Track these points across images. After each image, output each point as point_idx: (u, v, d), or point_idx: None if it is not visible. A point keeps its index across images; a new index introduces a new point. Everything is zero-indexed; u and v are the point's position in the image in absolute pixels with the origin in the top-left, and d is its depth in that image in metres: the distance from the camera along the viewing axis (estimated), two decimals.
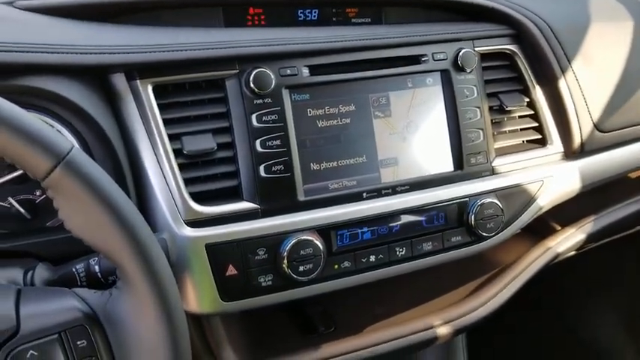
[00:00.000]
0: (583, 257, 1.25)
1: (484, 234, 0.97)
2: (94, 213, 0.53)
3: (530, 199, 1.03)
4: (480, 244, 0.99)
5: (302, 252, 0.85)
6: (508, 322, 1.17)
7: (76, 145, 0.76)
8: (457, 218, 0.96)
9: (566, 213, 1.15)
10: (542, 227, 1.16)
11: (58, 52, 0.77)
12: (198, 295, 0.82)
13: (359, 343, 0.97)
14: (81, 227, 0.55)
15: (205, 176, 0.84)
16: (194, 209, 0.82)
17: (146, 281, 0.54)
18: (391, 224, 0.92)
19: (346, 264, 0.90)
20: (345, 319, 1.03)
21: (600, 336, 1.46)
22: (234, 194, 0.85)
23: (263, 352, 0.95)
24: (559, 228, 1.18)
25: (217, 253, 0.81)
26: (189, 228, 0.81)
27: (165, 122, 0.83)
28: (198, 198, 0.83)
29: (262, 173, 0.85)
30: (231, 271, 0.83)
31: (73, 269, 0.70)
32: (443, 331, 1.01)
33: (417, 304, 1.05)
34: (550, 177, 1.04)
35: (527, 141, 1.07)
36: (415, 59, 0.97)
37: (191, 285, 0.82)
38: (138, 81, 0.82)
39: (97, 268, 0.70)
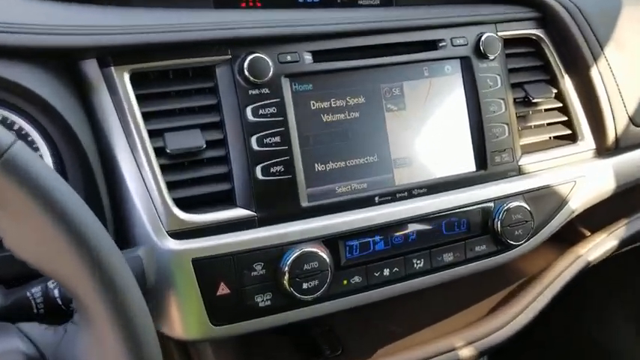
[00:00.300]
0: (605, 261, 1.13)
1: (511, 242, 0.86)
2: (39, 226, 0.41)
3: (562, 202, 0.91)
4: (507, 253, 0.88)
5: (306, 266, 0.73)
6: (534, 338, 1.04)
7: (33, 140, 0.64)
8: (481, 225, 0.85)
9: (596, 217, 1.03)
10: (569, 233, 1.04)
11: (15, 32, 0.65)
12: (184, 319, 0.70)
13: None
14: (23, 245, 0.43)
15: (192, 179, 0.72)
16: (179, 218, 0.70)
17: (110, 316, 0.42)
18: (407, 232, 0.80)
19: (357, 279, 0.78)
20: (353, 341, 0.91)
21: (618, 342, 1.34)
22: (226, 200, 0.73)
23: None
24: (588, 233, 1.07)
25: (206, 268, 0.70)
26: (172, 240, 0.69)
27: (145, 116, 0.71)
28: (184, 205, 0.71)
29: (259, 175, 0.73)
30: (223, 289, 0.71)
31: (28, 294, 0.58)
32: (465, 353, 0.89)
33: (434, 322, 0.93)
34: (582, 177, 0.93)
35: (554, 137, 0.96)
36: (432, 45, 0.85)
37: (175, 307, 0.70)
38: (112, 68, 0.70)
39: (56, 292, 0.58)
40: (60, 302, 0.57)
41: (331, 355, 0.88)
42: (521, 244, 0.87)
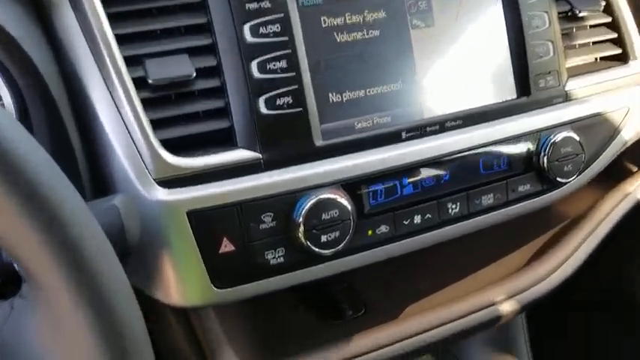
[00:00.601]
0: None
1: (560, 179, 0.74)
2: None
3: (614, 132, 0.79)
4: (554, 192, 0.76)
5: (324, 216, 0.61)
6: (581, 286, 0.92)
7: None
8: (525, 161, 0.73)
9: None
10: (615, 169, 0.92)
11: None
12: (181, 283, 0.59)
13: (400, 331, 0.74)
14: None
15: (181, 116, 0.59)
16: (168, 163, 0.57)
17: (69, 286, 0.30)
18: (439, 173, 0.68)
19: (383, 229, 0.66)
20: (377, 299, 0.79)
21: None
22: (224, 140, 0.61)
23: (274, 350, 0.71)
24: (635, 169, 0.95)
25: (205, 222, 0.58)
26: (162, 189, 0.57)
27: (120, 40, 0.58)
28: (174, 147, 0.58)
29: (263, 109, 0.60)
30: (227, 246, 0.59)
31: None
32: (506, 309, 0.78)
33: (469, 275, 0.82)
34: (636, 102, 0.80)
35: (602, 58, 0.82)
36: None
37: (170, 269, 0.58)
38: None
39: None
40: (17, 267, 0.45)
41: (353, 315, 0.77)
42: (570, 181, 0.75)
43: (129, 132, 0.57)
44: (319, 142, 0.63)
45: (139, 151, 0.57)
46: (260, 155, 0.60)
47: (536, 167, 0.73)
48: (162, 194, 0.57)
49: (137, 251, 0.56)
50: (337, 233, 0.62)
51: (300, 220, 0.60)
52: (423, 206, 0.68)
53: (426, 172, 0.67)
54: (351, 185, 0.64)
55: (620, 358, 1.07)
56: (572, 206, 0.89)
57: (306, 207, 0.60)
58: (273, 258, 0.61)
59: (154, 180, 0.57)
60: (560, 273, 0.81)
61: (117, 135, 0.57)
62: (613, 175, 0.92)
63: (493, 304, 0.77)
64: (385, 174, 0.65)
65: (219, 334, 0.67)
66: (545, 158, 0.72)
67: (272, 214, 0.60)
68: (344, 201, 0.62)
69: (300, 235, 0.61)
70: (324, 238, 0.61)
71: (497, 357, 0.95)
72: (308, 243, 0.61)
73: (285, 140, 0.62)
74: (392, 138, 0.67)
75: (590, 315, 1.05)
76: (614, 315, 1.03)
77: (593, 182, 0.87)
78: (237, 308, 0.72)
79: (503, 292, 0.79)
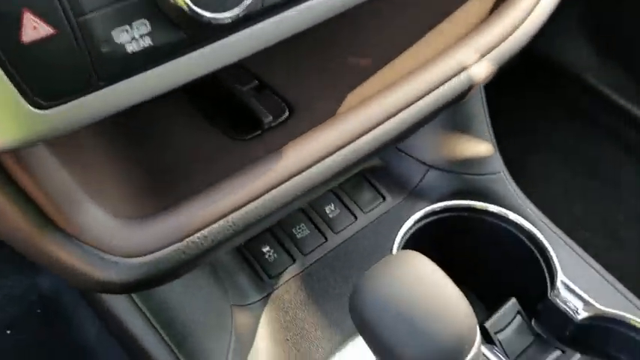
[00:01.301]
0: None
1: None
2: None
3: None
4: None
5: None
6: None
7: None
8: None
9: None
10: None
11: None
12: None
13: (344, 130, 0.51)
14: None
15: None
16: None
17: None
18: None
19: None
20: (303, 94, 0.55)
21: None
22: None
23: (167, 192, 0.46)
24: None
25: None
26: None
27: None
28: None
29: None
30: (36, 28, 0.32)
31: None
32: (479, 72, 0.56)
33: (419, 39, 0.59)
34: None
35: None
36: None
37: None
38: None
39: None
40: None
41: (275, 122, 0.53)
42: None
43: None
44: None
45: None
46: None
47: None
48: None
49: None
50: None
51: None
52: None
53: None
54: None
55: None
56: None
57: None
58: (132, 40, 0.34)
59: None
60: (542, 11, 0.60)
61: None
62: None
63: (464, 69, 0.56)
64: None
65: (68, 184, 0.40)
66: None
67: None
68: None
69: None
70: None
71: (453, 138, 0.76)
72: (188, 3, 0.34)
73: None
74: None
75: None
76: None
77: None
78: (93, 137, 0.45)
79: (473, 51, 0.57)
